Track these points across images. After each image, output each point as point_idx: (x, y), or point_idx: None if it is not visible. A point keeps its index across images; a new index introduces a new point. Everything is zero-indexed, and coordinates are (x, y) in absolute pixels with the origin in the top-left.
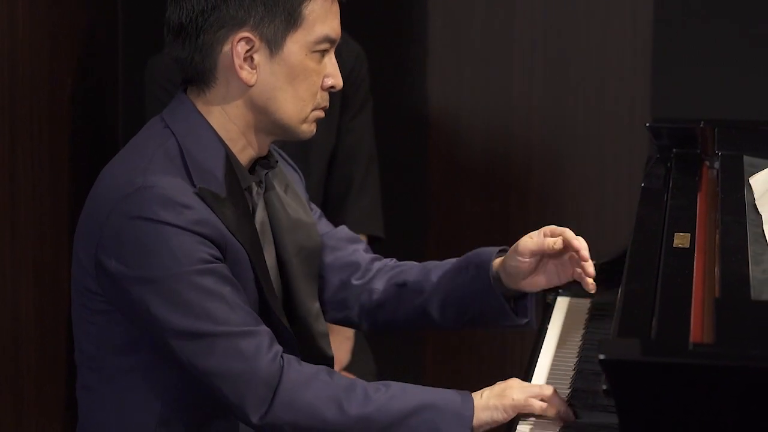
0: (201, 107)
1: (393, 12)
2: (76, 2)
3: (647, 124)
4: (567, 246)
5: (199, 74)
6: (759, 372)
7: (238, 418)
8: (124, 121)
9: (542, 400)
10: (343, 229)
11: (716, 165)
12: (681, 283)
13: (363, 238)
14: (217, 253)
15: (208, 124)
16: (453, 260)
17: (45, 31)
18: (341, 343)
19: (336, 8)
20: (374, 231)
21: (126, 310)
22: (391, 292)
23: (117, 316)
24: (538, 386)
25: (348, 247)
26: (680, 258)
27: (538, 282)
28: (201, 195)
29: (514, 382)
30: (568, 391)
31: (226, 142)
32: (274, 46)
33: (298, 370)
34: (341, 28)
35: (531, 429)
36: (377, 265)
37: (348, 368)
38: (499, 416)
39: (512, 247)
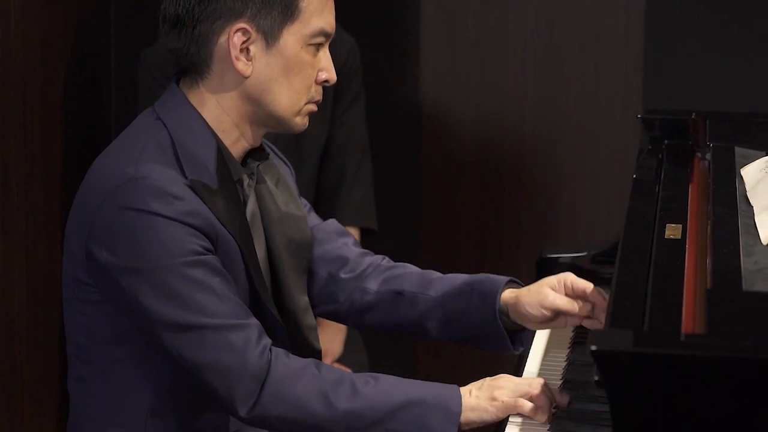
0: (194, 99)
1: (386, 5)
2: None
3: (639, 116)
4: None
5: (194, 65)
6: (751, 363)
7: (227, 410)
8: (117, 115)
9: (531, 399)
10: (332, 223)
11: (708, 156)
12: (673, 275)
13: (356, 230)
14: (208, 245)
15: (200, 115)
16: (454, 278)
17: (38, 25)
18: (334, 335)
19: (331, 3)
20: (367, 224)
21: (116, 301)
22: (385, 296)
23: (108, 307)
24: (528, 383)
25: (337, 240)
26: (672, 249)
27: (546, 326)
28: (192, 186)
29: (503, 381)
30: (560, 382)
31: (219, 133)
32: (270, 38)
33: (286, 363)
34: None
35: (521, 427)
36: (368, 260)
37: (340, 360)
38: (489, 417)
39: (534, 292)
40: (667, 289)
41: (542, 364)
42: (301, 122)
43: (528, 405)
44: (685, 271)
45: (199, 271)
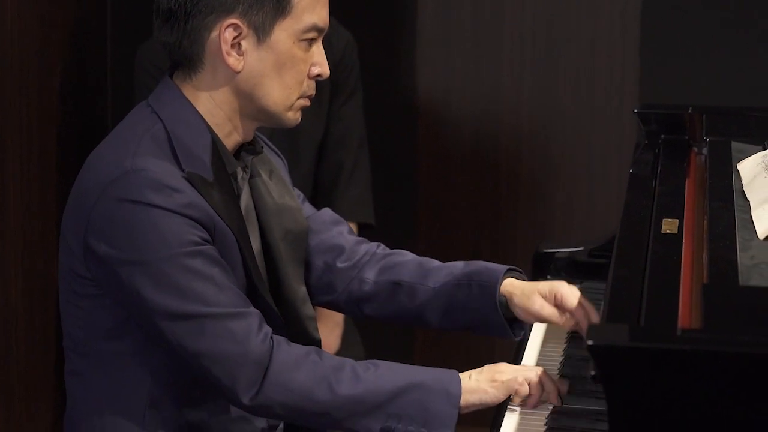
0: (187, 92)
1: (384, 1)
2: None
3: (635, 111)
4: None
5: (186, 59)
6: (747, 357)
7: (229, 399)
8: (113, 111)
9: (530, 384)
10: (327, 212)
11: (704, 151)
12: (669, 269)
13: (353, 225)
14: (206, 236)
15: (195, 109)
16: (452, 267)
17: (34, 21)
18: (331, 329)
19: None
20: (365, 218)
21: (115, 294)
22: (383, 286)
23: (105, 301)
24: (527, 368)
25: (331, 229)
26: (668, 244)
27: (544, 321)
28: (189, 179)
29: (503, 366)
30: (557, 376)
31: (212, 127)
32: (261, 33)
33: (287, 350)
34: (331, 16)
35: (520, 414)
36: (364, 248)
37: (338, 354)
38: (488, 399)
39: (524, 296)
40: (663, 283)
41: (539, 359)
42: (294, 117)
43: (526, 388)
44: (682, 265)
45: (198, 261)
